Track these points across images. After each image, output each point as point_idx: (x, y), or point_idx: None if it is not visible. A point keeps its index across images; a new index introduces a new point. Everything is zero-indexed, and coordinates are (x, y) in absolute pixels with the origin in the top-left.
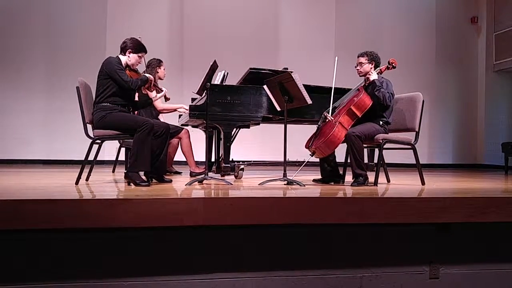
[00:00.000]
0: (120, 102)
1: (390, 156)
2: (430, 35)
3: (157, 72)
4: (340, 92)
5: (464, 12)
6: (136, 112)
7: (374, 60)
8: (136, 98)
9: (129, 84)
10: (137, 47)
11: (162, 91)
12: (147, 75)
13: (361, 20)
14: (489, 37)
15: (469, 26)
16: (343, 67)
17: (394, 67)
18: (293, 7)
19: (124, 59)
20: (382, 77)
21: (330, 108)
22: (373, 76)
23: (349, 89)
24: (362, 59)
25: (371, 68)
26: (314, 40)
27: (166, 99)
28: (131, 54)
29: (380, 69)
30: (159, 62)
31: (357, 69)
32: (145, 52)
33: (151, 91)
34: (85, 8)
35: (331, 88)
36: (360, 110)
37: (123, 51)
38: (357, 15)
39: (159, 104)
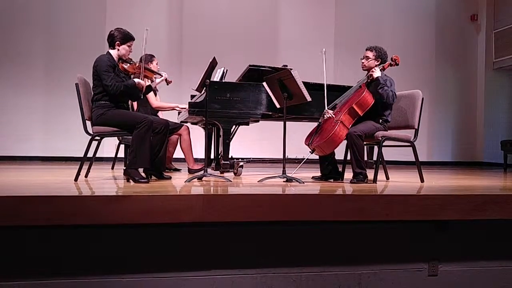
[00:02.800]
0: (117, 100)
1: (390, 154)
2: (429, 33)
3: None
4: (339, 89)
5: (464, 9)
6: (134, 109)
7: (381, 57)
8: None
9: (110, 88)
10: (125, 37)
11: (160, 75)
12: (136, 80)
13: (360, 17)
14: (488, 35)
15: (468, 23)
16: (342, 65)
17: (397, 64)
18: (293, 5)
19: (114, 52)
20: (386, 75)
21: (326, 104)
22: (377, 73)
23: (348, 87)
24: (370, 54)
25: (376, 64)
26: (314, 37)
27: (168, 82)
28: (120, 46)
29: (383, 66)
30: (150, 58)
31: (362, 62)
32: (133, 39)
33: (149, 79)
34: (84, 5)
35: (329, 85)
36: (362, 109)
37: (111, 44)
38: (357, 13)
39: (154, 101)
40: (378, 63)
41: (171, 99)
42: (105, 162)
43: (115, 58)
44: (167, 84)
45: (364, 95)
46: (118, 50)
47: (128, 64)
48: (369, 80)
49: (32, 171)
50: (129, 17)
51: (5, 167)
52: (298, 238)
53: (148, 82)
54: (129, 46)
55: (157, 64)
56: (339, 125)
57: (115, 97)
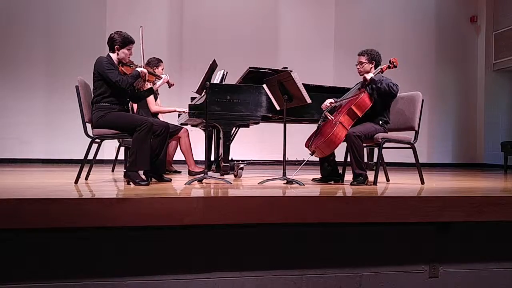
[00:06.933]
0: (118, 102)
1: (390, 155)
2: (429, 35)
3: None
4: (339, 91)
5: (464, 11)
6: (135, 111)
7: (374, 59)
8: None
9: (119, 83)
10: (124, 40)
11: (160, 78)
12: (138, 68)
13: (360, 19)
14: (488, 36)
15: (468, 25)
16: (342, 67)
17: (395, 66)
18: (293, 7)
19: (114, 56)
20: (382, 76)
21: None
22: (369, 75)
23: (348, 89)
24: (362, 59)
25: (371, 67)
26: (314, 39)
27: (170, 85)
28: (120, 50)
29: (381, 69)
30: (157, 62)
31: (358, 68)
32: (133, 43)
33: (151, 82)
34: (84, 7)
35: (330, 87)
36: (360, 110)
37: (111, 48)
38: (357, 14)
39: (153, 106)
40: (373, 65)
41: (171, 102)
42: (105, 165)
43: (115, 61)
44: (169, 87)
45: (363, 96)
46: (118, 54)
47: (129, 67)
48: (366, 83)
49: (33, 173)
50: (129, 20)
51: (6, 170)
52: (298, 240)
53: (149, 85)
54: (128, 50)
55: (162, 69)
56: (338, 126)
57: (120, 95)
